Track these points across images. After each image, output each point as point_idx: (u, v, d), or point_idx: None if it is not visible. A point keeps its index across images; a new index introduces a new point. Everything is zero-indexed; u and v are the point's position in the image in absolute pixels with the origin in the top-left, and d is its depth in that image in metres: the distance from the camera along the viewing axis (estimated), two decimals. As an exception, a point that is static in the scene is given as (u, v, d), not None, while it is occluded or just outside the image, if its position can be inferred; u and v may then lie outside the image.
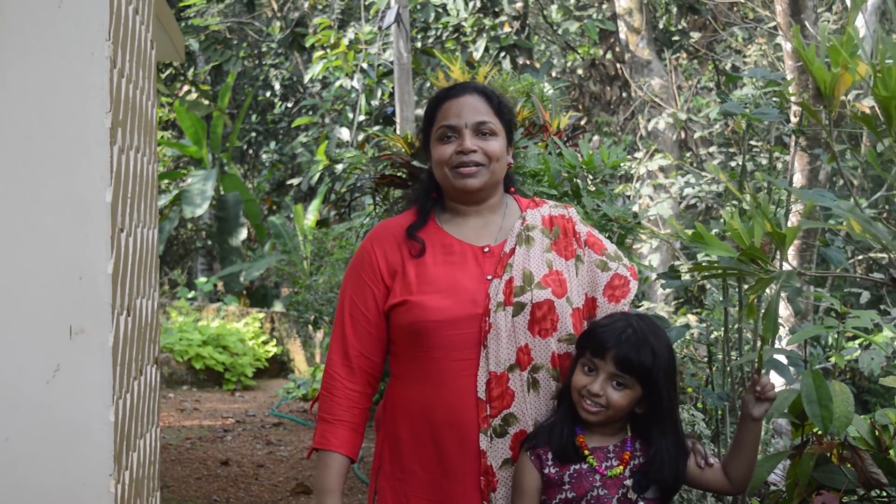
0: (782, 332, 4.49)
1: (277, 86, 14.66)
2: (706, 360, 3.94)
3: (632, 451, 2.12)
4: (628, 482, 2.09)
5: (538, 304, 2.18)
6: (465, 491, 2.16)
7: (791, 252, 6.83)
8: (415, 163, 3.82)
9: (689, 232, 2.26)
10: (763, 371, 2.14)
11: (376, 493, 2.28)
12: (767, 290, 2.48)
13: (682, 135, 10.44)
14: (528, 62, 10.77)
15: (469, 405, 2.15)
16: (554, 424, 2.12)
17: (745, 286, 2.92)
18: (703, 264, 2.15)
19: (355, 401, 2.26)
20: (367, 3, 11.10)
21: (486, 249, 2.26)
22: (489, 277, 2.22)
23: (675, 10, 11.24)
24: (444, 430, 2.15)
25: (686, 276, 2.88)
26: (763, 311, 2.41)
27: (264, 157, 15.32)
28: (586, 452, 2.10)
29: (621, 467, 2.09)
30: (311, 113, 12.90)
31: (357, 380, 2.27)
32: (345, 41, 10.87)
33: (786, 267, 2.34)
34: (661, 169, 9.51)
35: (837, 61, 2.11)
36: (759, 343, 2.77)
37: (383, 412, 2.31)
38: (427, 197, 2.35)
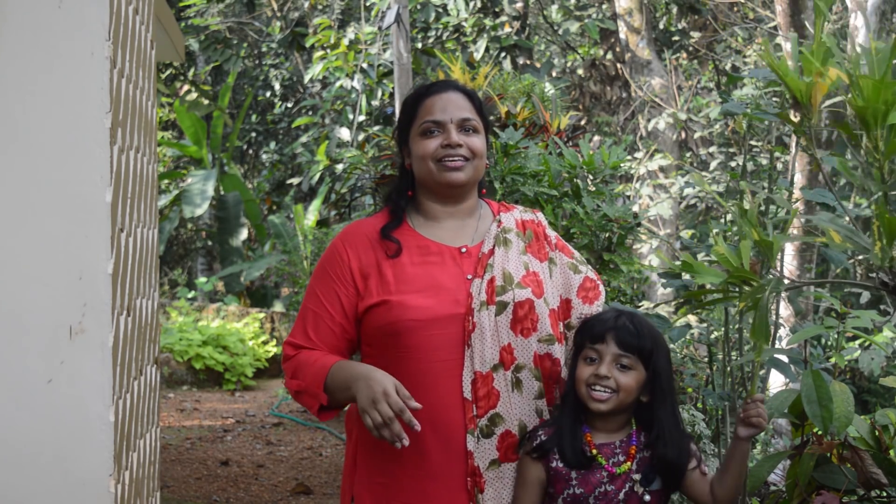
0: (782, 332, 4.49)
1: (277, 86, 14.65)
2: (706, 360, 3.94)
3: (637, 446, 2.13)
4: (636, 476, 2.10)
5: (520, 304, 2.17)
6: (450, 492, 2.13)
7: (790, 252, 6.83)
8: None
9: (688, 238, 2.27)
10: (759, 395, 2.13)
11: (353, 501, 2.22)
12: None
13: (682, 135, 10.44)
14: (528, 62, 10.77)
15: (454, 406, 2.13)
16: (559, 430, 2.12)
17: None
18: (697, 291, 2.16)
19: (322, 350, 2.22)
20: (367, 3, 11.10)
21: (464, 250, 2.24)
22: (470, 277, 2.20)
23: (675, 10, 11.24)
24: (427, 431, 2.11)
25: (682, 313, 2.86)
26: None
27: (264, 157, 15.32)
28: (594, 451, 2.10)
29: (628, 463, 2.11)
30: (311, 113, 12.90)
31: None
32: (345, 41, 10.86)
33: (786, 272, 2.34)
34: (661, 169, 9.51)
35: (810, 70, 2.11)
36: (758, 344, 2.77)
37: (356, 416, 2.22)
38: (402, 196, 2.30)
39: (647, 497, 2.11)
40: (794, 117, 2.16)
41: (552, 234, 2.37)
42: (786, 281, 2.22)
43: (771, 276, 2.12)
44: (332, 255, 2.27)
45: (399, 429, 2.01)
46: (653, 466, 2.12)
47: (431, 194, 2.27)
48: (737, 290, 2.15)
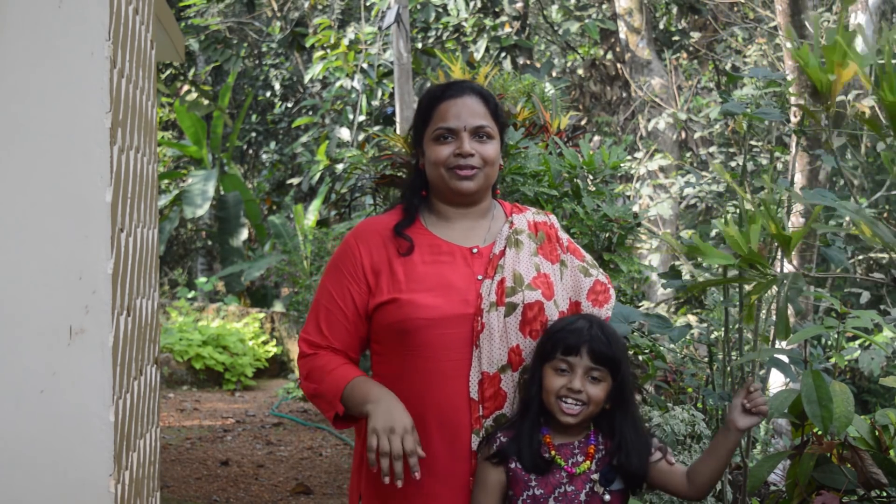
0: (782, 332, 4.48)
1: (277, 86, 14.65)
2: (706, 360, 3.95)
3: (595, 445, 2.13)
4: (595, 476, 2.10)
5: (529, 305, 2.17)
6: (452, 491, 2.14)
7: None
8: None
9: (688, 238, 2.28)
10: (757, 384, 2.12)
11: (361, 499, 2.24)
12: (768, 293, 2.48)
13: (682, 135, 10.44)
14: (528, 62, 10.77)
15: (461, 406, 2.13)
16: (519, 435, 2.11)
17: (747, 287, 2.92)
18: (701, 279, 2.17)
19: (341, 354, 2.24)
20: (367, 3, 11.10)
21: (475, 251, 2.24)
22: (480, 277, 2.20)
23: (675, 10, 11.24)
24: (433, 431, 2.13)
25: (687, 276, 2.87)
26: (764, 313, 2.39)
27: (264, 157, 15.32)
28: (553, 452, 2.10)
29: (588, 462, 2.10)
30: (311, 113, 12.90)
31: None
32: (345, 41, 10.86)
33: (788, 268, 2.34)
34: (661, 169, 9.51)
35: (833, 60, 2.10)
36: (758, 344, 2.77)
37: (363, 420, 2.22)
38: (415, 195, 2.31)
39: (608, 497, 2.10)
40: (812, 106, 2.16)
41: (564, 236, 2.38)
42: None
43: (786, 271, 2.12)
44: (344, 251, 2.28)
45: (401, 469, 2.03)
46: (612, 467, 2.11)
47: (444, 197, 2.28)
48: (745, 273, 2.14)
